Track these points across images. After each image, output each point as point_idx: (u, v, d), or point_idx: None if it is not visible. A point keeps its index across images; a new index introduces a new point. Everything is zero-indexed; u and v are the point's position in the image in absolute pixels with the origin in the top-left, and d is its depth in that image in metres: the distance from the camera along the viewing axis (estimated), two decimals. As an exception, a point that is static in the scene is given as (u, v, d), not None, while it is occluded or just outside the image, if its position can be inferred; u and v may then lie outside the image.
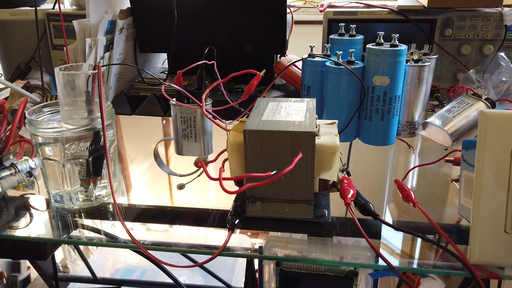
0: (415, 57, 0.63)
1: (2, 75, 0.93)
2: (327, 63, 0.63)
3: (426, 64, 0.63)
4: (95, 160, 0.52)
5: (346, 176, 0.52)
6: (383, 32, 0.61)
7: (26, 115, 0.51)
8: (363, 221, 0.48)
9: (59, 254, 1.26)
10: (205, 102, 0.58)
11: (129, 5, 0.85)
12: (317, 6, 0.91)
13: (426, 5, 0.78)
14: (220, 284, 1.10)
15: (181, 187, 0.59)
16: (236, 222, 0.46)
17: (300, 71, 0.70)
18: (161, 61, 1.06)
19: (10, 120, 0.66)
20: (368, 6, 0.86)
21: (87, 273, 1.13)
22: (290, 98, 0.55)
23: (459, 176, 0.47)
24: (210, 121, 0.60)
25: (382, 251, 0.44)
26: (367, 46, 0.62)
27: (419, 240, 0.47)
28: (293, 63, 0.77)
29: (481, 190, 0.39)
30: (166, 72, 0.93)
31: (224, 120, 0.60)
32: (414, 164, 0.66)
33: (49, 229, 0.51)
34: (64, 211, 0.53)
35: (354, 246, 0.46)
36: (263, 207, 0.47)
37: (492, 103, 0.62)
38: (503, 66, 0.69)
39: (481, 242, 0.39)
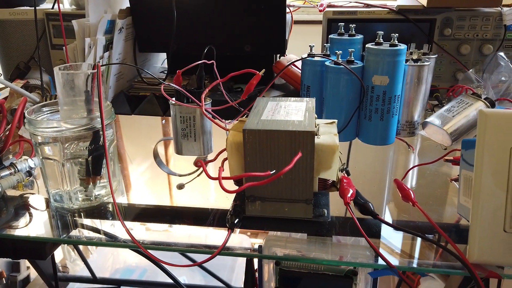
0: (415, 56, 0.63)
1: (1, 74, 0.93)
2: (327, 63, 0.63)
3: (426, 63, 0.63)
4: (95, 159, 0.52)
5: (346, 175, 0.52)
6: (382, 32, 0.61)
7: (26, 114, 0.51)
8: (362, 221, 0.48)
9: (58, 254, 1.26)
10: (204, 102, 0.58)
11: (128, 5, 0.85)
12: (317, 6, 0.91)
13: (425, 5, 0.78)
14: (220, 284, 1.10)
15: (180, 186, 0.59)
16: (235, 222, 0.46)
17: (300, 71, 0.70)
18: (160, 60, 1.06)
19: (9, 119, 0.66)
20: (368, 5, 0.86)
21: (86, 273, 1.13)
22: (289, 98, 0.55)
23: (458, 175, 0.47)
24: (209, 121, 0.60)
25: (381, 251, 0.44)
26: (366, 45, 0.62)
27: (418, 239, 0.47)
28: (292, 63, 0.77)
29: (480, 189, 0.39)
30: (166, 71, 0.93)
31: (223, 120, 0.60)
32: (414, 164, 0.66)
33: (49, 228, 0.51)
34: (63, 210, 0.53)
35: (353, 245, 0.46)
36: (263, 207, 0.47)
37: (491, 102, 0.62)
38: (502, 65, 0.69)
39: (480, 241, 0.39)
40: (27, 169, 0.57)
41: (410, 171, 0.61)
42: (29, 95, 0.70)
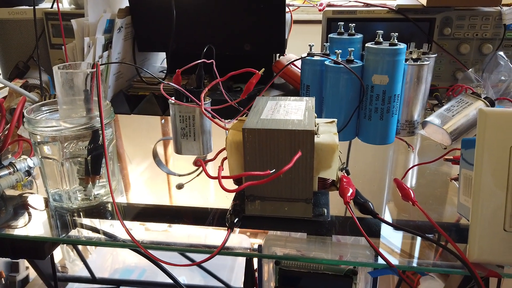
0: (414, 56, 0.63)
1: (0, 74, 0.93)
2: (326, 62, 0.63)
3: (425, 63, 0.63)
4: (94, 159, 0.52)
5: (346, 175, 0.52)
6: (382, 31, 0.61)
7: (25, 114, 0.51)
8: (362, 220, 0.48)
9: (57, 254, 1.26)
10: (204, 101, 0.58)
11: (127, 4, 0.85)
12: (316, 5, 0.90)
13: (425, 4, 0.78)
14: (220, 284, 1.10)
15: (180, 186, 0.59)
16: (235, 221, 0.45)
17: (299, 70, 0.70)
18: (159, 60, 1.06)
19: (8, 119, 0.66)
20: (367, 5, 0.86)
21: (86, 273, 1.13)
22: (289, 97, 0.55)
23: (458, 175, 0.47)
24: (209, 120, 0.59)
25: (381, 250, 0.44)
26: (366, 45, 0.62)
27: (418, 238, 0.47)
28: (292, 62, 0.77)
29: (480, 188, 0.39)
30: (165, 71, 0.93)
31: (223, 119, 0.60)
32: (413, 163, 0.66)
33: (48, 228, 0.51)
34: (62, 210, 0.52)
35: (353, 244, 0.46)
36: (262, 206, 0.47)
37: (491, 102, 0.62)
38: (502, 65, 0.69)
39: (480, 240, 0.39)
40: (26, 168, 0.57)
41: (410, 171, 0.61)
42: (28, 95, 0.70)
